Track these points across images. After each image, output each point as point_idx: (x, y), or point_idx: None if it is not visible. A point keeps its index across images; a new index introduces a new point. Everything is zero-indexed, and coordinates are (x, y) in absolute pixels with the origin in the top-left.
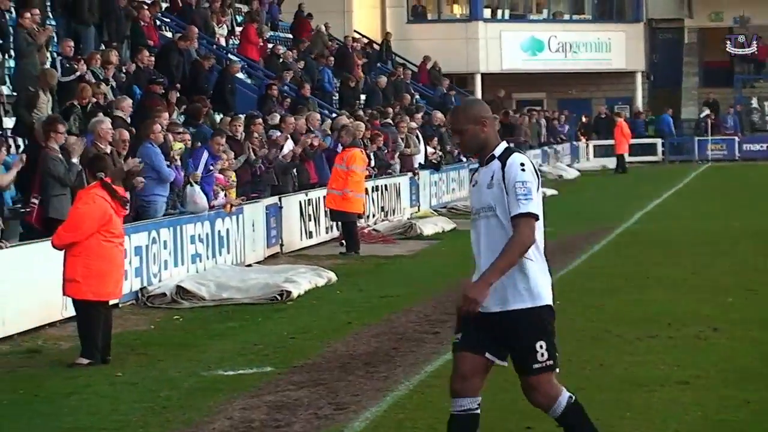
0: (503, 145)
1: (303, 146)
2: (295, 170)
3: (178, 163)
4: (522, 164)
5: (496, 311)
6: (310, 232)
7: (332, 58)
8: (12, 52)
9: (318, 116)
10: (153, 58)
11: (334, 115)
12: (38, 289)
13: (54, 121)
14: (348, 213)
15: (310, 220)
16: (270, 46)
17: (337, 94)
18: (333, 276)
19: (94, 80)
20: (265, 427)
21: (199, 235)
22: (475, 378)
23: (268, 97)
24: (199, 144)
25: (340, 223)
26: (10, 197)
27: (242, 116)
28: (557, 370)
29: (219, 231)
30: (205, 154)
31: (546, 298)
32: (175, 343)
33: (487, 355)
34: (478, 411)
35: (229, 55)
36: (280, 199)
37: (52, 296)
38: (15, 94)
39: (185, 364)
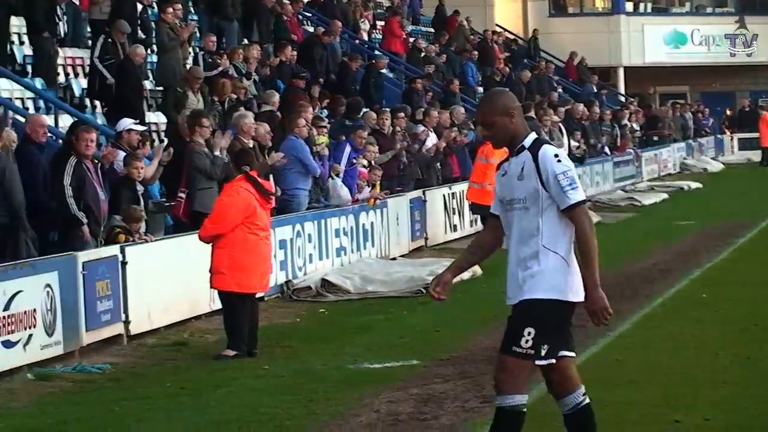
0: (533, 135)
1: (447, 140)
2: (438, 164)
3: (326, 153)
4: (556, 155)
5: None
6: (455, 226)
7: (476, 52)
8: (154, 47)
9: (462, 110)
10: (295, 53)
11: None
12: (185, 281)
13: (198, 116)
14: (489, 206)
15: (454, 213)
16: (411, 40)
17: (480, 88)
18: (478, 269)
19: (236, 75)
20: (411, 420)
21: (344, 229)
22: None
23: (413, 91)
24: (344, 138)
25: (480, 216)
26: (158, 190)
27: (388, 110)
28: (536, 362)
29: (363, 224)
30: (348, 148)
31: (558, 292)
32: (320, 336)
33: None
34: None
35: (375, 51)
36: (424, 193)
37: (198, 289)
38: (158, 89)
39: (331, 357)
